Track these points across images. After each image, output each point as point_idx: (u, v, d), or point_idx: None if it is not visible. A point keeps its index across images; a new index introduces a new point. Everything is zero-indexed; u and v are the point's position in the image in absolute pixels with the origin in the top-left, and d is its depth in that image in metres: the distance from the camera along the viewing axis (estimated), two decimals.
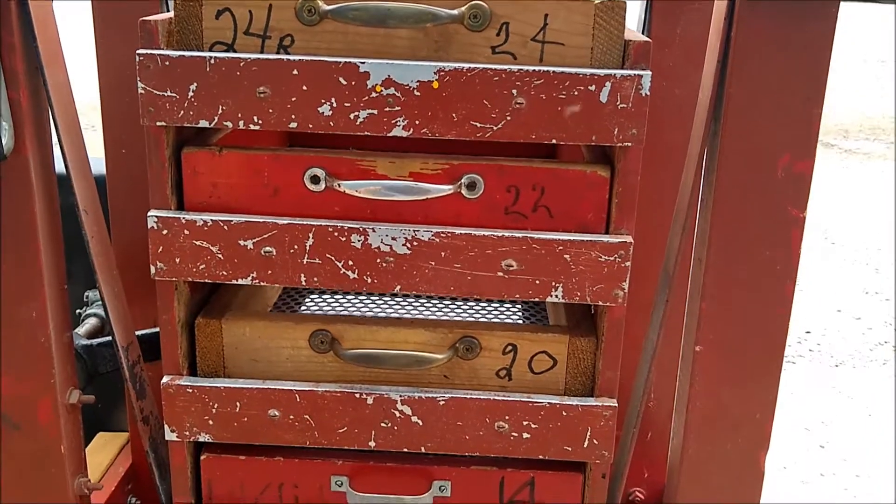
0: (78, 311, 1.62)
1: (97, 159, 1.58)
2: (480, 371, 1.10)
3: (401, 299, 1.38)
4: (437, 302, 1.38)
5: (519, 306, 1.38)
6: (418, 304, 1.37)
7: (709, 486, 1.11)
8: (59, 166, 1.08)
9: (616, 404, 1.07)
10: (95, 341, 1.37)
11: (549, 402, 1.07)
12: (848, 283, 4.15)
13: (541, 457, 1.09)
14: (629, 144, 0.98)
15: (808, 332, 3.63)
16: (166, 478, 1.16)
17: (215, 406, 1.09)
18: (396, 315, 1.29)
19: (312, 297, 1.40)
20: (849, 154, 6.59)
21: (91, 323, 1.53)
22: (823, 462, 2.72)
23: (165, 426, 1.10)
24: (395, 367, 1.07)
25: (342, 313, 1.29)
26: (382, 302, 1.38)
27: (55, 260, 1.07)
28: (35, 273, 1.05)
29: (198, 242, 1.03)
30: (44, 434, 1.11)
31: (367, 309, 1.34)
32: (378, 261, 1.02)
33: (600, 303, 1.03)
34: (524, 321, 1.31)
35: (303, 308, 1.34)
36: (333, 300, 1.39)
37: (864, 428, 2.92)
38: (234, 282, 1.04)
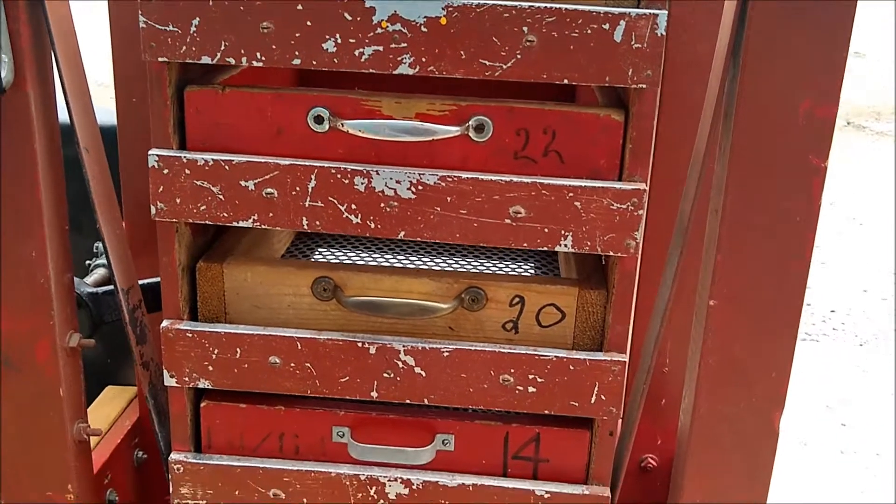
0: (87, 262, 1.61)
1: (107, 110, 1.57)
2: (486, 323, 1.07)
3: (410, 253, 1.36)
4: (447, 257, 1.35)
5: (531, 263, 1.35)
6: (427, 258, 1.34)
7: (720, 446, 1.07)
8: (63, 116, 1.06)
9: (626, 359, 1.04)
10: (101, 289, 1.35)
11: (555, 356, 1.04)
12: (875, 264, 4.07)
13: (546, 412, 1.06)
14: (644, 86, 0.94)
15: (832, 311, 3.56)
16: (165, 425, 1.14)
17: (215, 351, 1.07)
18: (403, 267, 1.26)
19: (321, 250, 1.37)
20: (880, 136, 6.47)
21: (99, 273, 1.52)
22: (844, 440, 2.67)
23: (165, 371, 1.08)
24: (398, 316, 1.05)
25: (346, 257, 1.26)
26: (391, 255, 1.35)
27: (56, 199, 1.05)
28: (34, 211, 1.03)
29: (198, 182, 1.00)
30: (42, 376, 1.09)
31: (374, 262, 1.32)
32: (382, 205, 0.99)
33: (611, 253, 0.99)
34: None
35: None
36: (342, 254, 1.37)
37: (886, 407, 2.87)
38: (234, 224, 1.01)
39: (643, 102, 0.95)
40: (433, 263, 1.33)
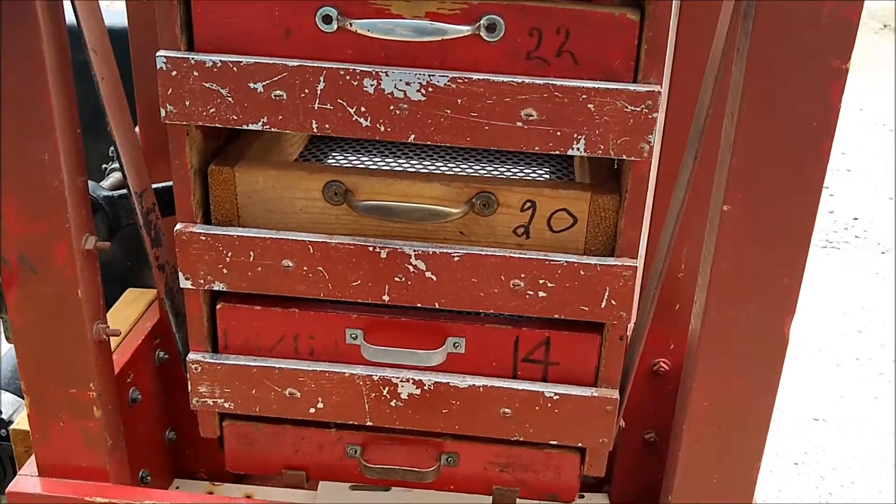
0: (104, 166, 1.62)
1: (119, 12, 1.55)
2: (497, 228, 1.07)
3: (423, 158, 1.35)
4: (461, 162, 1.34)
5: (546, 168, 1.34)
6: (441, 163, 1.33)
7: (730, 350, 1.08)
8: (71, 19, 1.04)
9: (636, 264, 1.04)
10: (116, 193, 1.36)
11: (566, 261, 1.04)
12: None
13: (556, 316, 1.07)
14: None
15: (855, 219, 3.53)
16: (183, 326, 1.16)
17: (229, 254, 1.08)
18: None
19: (334, 154, 1.37)
20: None
21: (115, 177, 1.52)
22: (860, 346, 2.68)
23: (180, 274, 1.09)
24: (408, 221, 1.05)
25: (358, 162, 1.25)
26: (404, 160, 1.34)
27: (66, 101, 1.05)
28: (45, 114, 1.03)
29: (207, 85, 0.99)
30: (60, 278, 1.11)
31: (387, 167, 1.31)
32: (391, 107, 0.98)
33: (624, 157, 0.98)
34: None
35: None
36: (355, 158, 1.36)
37: None
38: (244, 127, 1.01)
39: (660, 1, 0.92)
40: (446, 169, 1.32)
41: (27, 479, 1.23)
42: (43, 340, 1.15)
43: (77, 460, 1.22)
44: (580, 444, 1.15)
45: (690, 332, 1.13)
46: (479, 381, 1.12)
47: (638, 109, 0.96)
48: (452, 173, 1.21)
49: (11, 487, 1.23)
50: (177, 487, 1.64)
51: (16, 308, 1.13)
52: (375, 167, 1.29)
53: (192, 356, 1.15)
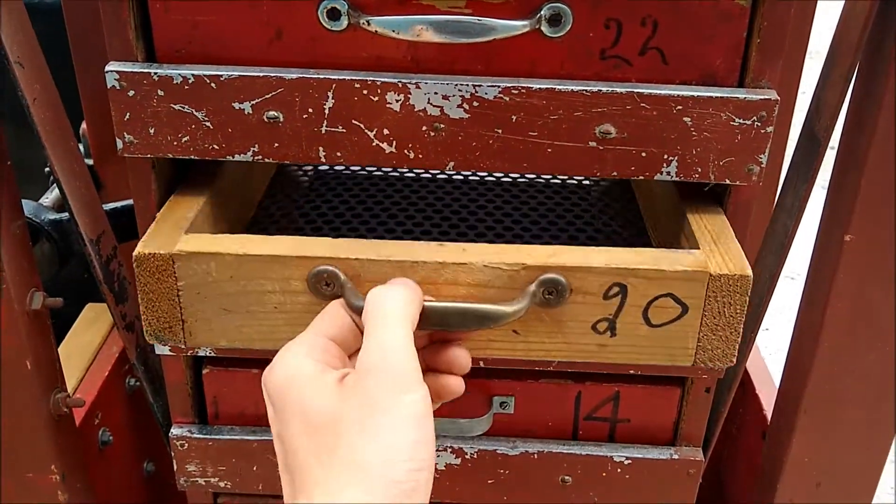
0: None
1: None
2: (568, 324, 0.76)
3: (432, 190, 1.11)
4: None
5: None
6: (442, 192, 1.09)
7: (841, 402, 0.88)
8: None
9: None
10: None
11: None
12: None
13: (632, 372, 0.86)
14: None
15: None
16: (161, 394, 0.94)
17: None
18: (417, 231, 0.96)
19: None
20: None
21: None
22: None
23: (152, 342, 0.86)
24: (441, 329, 0.70)
25: (354, 223, 0.95)
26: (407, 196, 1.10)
27: None
28: None
29: (177, 107, 0.75)
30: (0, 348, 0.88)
31: (398, 219, 1.01)
32: (424, 128, 0.75)
33: (727, 181, 0.76)
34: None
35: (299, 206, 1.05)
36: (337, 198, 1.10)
37: None
38: (228, 158, 0.77)
39: None
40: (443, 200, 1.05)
41: None
42: None
43: None
44: None
45: (787, 377, 0.93)
46: (533, 447, 0.92)
47: (748, 123, 0.73)
48: (497, 245, 0.78)
49: None
50: None
51: None
52: (381, 229, 0.97)
53: (175, 431, 0.93)
